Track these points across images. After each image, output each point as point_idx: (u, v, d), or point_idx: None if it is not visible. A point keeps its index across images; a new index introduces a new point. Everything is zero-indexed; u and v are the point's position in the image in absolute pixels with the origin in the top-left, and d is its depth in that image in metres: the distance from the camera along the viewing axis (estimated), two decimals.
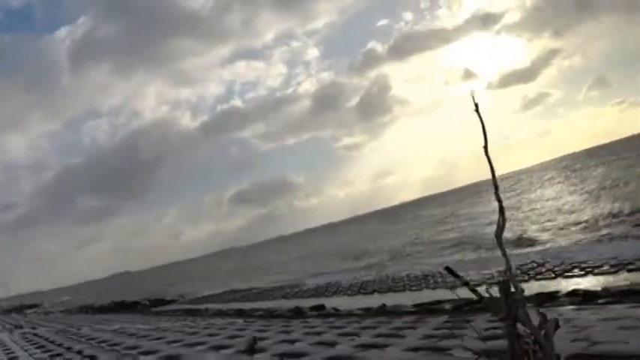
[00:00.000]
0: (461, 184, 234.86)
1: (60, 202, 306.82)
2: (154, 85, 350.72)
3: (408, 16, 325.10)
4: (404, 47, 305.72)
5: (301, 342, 10.08)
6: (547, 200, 62.09)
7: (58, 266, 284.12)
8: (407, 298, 22.63)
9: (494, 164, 4.61)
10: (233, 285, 54.99)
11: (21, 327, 24.46)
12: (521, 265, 24.50)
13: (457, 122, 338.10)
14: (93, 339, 14.22)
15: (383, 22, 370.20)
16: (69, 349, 12.15)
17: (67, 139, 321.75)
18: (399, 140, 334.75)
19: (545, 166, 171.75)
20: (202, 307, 38.61)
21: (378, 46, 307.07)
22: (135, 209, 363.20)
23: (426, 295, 22.10)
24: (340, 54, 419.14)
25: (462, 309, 16.11)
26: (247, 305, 32.20)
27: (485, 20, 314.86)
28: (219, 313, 30.07)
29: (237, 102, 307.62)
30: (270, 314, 25.29)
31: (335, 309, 23.70)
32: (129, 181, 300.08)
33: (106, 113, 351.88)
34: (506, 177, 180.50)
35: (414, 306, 18.14)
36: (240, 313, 28.40)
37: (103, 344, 12.53)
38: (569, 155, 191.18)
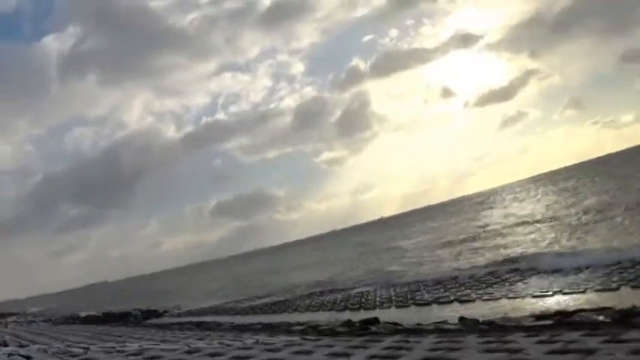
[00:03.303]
0: (438, 201, 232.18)
1: (42, 209, 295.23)
2: (140, 97, 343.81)
3: (394, 32, 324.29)
4: (386, 64, 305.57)
5: None
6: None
7: (35, 274, 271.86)
8: (485, 309, 17.72)
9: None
10: (227, 296, 49.28)
11: (5, 344, 18.63)
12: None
13: (435, 140, 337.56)
14: None
15: (368, 37, 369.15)
16: None
17: (52, 146, 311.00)
18: (380, 156, 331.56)
19: (521, 184, 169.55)
20: (208, 319, 33.07)
21: (361, 63, 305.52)
22: (116, 218, 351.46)
23: (514, 306, 17.23)
24: (324, 70, 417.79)
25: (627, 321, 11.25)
26: (272, 318, 26.78)
27: (466, 40, 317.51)
28: (241, 328, 24.61)
29: (221, 115, 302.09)
30: (315, 330, 20.00)
31: (395, 323, 18.56)
32: (111, 190, 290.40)
33: (92, 122, 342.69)
34: (482, 194, 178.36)
35: (540, 318, 13.16)
36: (269, 327, 22.97)
37: None
38: (545, 174, 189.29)
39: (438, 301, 20.98)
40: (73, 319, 46.90)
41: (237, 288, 59.11)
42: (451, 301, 20.41)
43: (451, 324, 15.69)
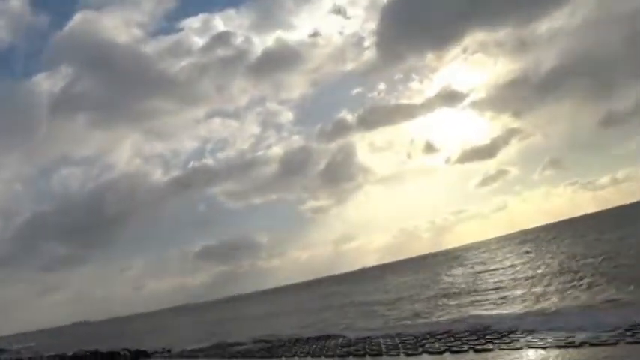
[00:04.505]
0: (418, 253, 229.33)
1: (27, 248, 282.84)
2: (129, 140, 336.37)
3: (382, 86, 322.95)
4: (373, 118, 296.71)
5: None
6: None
7: (18, 312, 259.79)
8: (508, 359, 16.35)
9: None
10: (214, 338, 46.56)
11: None
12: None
13: (417, 194, 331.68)
14: None
15: (357, 90, 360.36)
16: None
17: (41, 185, 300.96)
18: (363, 207, 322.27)
19: (496, 240, 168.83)
20: None
21: (349, 116, 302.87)
22: (100, 259, 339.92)
23: (541, 356, 15.88)
24: (312, 121, 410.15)
25: None
26: None
27: (452, 97, 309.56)
28: None
29: (208, 160, 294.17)
30: None
31: None
32: (97, 230, 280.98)
33: (80, 163, 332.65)
34: (459, 249, 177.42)
35: None
36: None
37: None
38: (521, 232, 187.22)
39: (452, 350, 19.47)
40: (61, 358, 44.01)
41: (223, 331, 56.12)
42: (466, 350, 18.93)
43: None
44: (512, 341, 18.61)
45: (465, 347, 19.28)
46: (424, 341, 22.25)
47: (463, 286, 48.77)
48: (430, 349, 20.30)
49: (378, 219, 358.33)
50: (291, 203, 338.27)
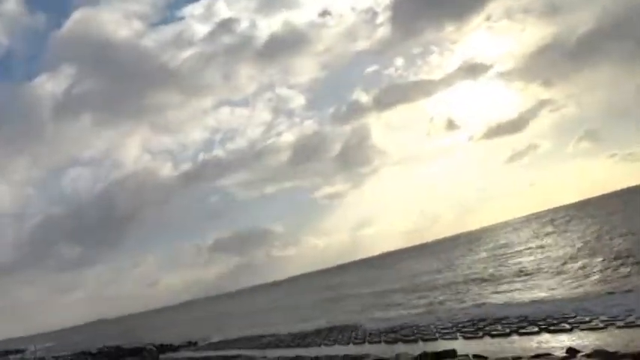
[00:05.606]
0: (441, 236, 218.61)
1: (41, 249, 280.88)
2: (137, 136, 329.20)
3: (399, 62, 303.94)
4: (390, 96, 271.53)
5: None
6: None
7: (36, 313, 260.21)
8: (591, 339, 14.48)
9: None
10: (239, 329, 45.12)
11: None
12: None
13: (438, 174, 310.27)
14: None
15: (372, 68, 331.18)
16: None
17: (51, 187, 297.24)
18: (381, 191, 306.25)
19: (526, 219, 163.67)
20: (230, 353, 29.49)
21: (364, 96, 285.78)
22: (114, 257, 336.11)
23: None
24: (325, 103, 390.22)
25: None
26: (308, 351, 23.32)
27: (475, 69, 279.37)
28: None
29: (218, 151, 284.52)
30: None
31: (479, 356, 15.24)
32: (110, 229, 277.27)
33: (89, 163, 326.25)
34: (488, 229, 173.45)
35: None
36: None
37: None
38: (555, 208, 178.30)
39: (519, 332, 17.61)
40: (85, 355, 42.89)
41: (245, 323, 54.63)
42: (537, 332, 17.03)
43: (559, 356, 12.62)
44: (591, 320, 16.65)
45: (535, 328, 17.37)
46: (481, 324, 20.41)
47: (502, 269, 45.47)
48: (492, 332, 18.45)
49: (397, 202, 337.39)
50: (305, 190, 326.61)
